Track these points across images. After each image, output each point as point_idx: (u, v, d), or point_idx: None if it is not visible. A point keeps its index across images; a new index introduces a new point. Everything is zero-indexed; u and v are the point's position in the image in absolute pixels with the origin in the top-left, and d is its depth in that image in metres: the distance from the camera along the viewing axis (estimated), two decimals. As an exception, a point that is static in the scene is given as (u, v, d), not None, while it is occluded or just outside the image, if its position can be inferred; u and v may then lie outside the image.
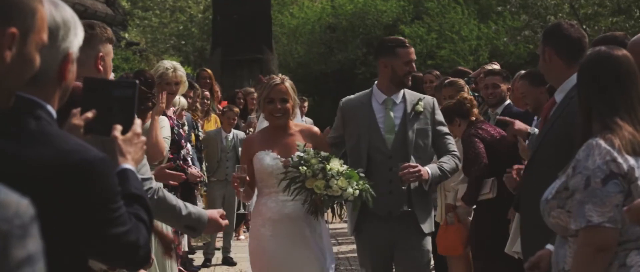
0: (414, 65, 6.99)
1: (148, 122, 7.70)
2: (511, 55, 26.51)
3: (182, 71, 8.97)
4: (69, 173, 2.57)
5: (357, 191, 6.30)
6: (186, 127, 9.14)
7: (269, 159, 6.65)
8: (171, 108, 9.07)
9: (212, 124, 12.75)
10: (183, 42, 34.84)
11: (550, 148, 5.43)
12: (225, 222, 4.73)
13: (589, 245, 3.94)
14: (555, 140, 5.41)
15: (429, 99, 7.04)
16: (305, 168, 6.27)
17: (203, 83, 13.11)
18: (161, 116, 7.95)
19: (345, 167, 6.34)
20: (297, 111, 6.95)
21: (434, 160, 7.01)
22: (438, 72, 12.31)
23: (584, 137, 4.07)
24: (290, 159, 6.41)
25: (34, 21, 2.53)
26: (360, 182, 6.34)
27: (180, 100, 9.71)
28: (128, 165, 3.05)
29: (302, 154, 6.36)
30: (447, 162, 6.82)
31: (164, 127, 7.73)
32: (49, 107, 2.72)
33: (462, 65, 22.75)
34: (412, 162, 6.60)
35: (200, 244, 12.67)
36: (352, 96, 7.14)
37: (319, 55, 30.54)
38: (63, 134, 2.70)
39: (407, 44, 7.02)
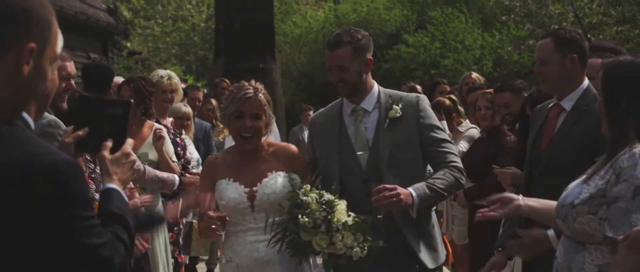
0: (340, 74, 5.45)
1: (143, 125, 7.71)
2: (515, 65, 26.37)
3: (177, 80, 8.89)
4: (34, 175, 2.49)
5: (366, 250, 5.12)
6: (184, 136, 8.96)
7: (231, 190, 5.44)
8: (169, 119, 8.97)
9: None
10: (185, 51, 34.76)
11: (570, 155, 5.39)
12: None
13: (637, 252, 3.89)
14: (576, 148, 5.39)
15: (410, 98, 5.58)
16: (305, 219, 5.06)
17: (222, 93, 13.00)
18: (158, 125, 7.92)
19: (351, 216, 5.12)
20: (274, 127, 5.69)
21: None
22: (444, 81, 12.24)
23: (615, 146, 4.06)
24: (286, 202, 5.21)
25: (50, 35, 2.56)
26: (368, 238, 5.14)
27: (182, 108, 9.61)
28: (113, 185, 3.00)
29: (302, 197, 5.16)
30: (443, 177, 5.33)
31: (166, 139, 7.70)
32: (25, 115, 2.64)
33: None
34: (389, 185, 5.13)
35: (205, 257, 12.55)
36: (322, 109, 5.89)
37: (322, 65, 30.19)
38: (35, 139, 2.62)
39: (335, 44, 5.45)
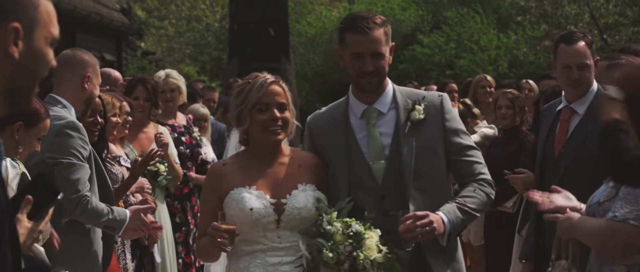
0: (375, 62, 4.58)
1: (150, 127, 7.77)
2: (531, 65, 26.23)
3: (175, 78, 8.84)
4: None
5: None
6: (196, 135, 8.90)
7: (254, 199, 4.51)
8: (181, 115, 8.95)
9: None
10: (199, 52, 34.70)
11: (594, 159, 5.25)
12: (150, 218, 5.38)
13: None
14: (595, 154, 5.27)
15: (433, 98, 4.73)
16: (329, 254, 4.31)
17: None
18: (162, 127, 7.97)
19: (383, 251, 4.34)
20: (293, 127, 4.70)
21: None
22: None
23: None
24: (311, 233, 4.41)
25: (38, 14, 2.43)
26: None
27: (200, 110, 9.60)
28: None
29: (326, 226, 4.38)
30: (474, 194, 4.57)
31: (170, 144, 7.77)
32: None
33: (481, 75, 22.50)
34: (414, 208, 4.46)
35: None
36: (321, 110, 4.96)
37: (337, 65, 30.18)
38: None
39: (368, 26, 4.56)
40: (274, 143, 4.61)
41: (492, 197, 4.69)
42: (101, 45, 21.57)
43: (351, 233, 4.32)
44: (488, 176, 4.69)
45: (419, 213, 4.34)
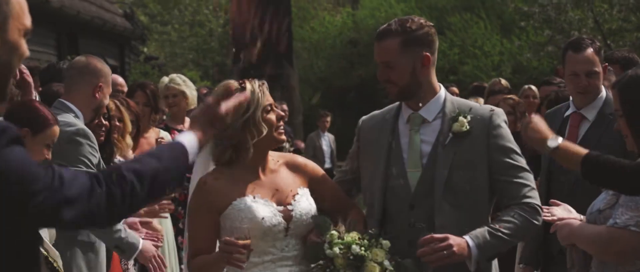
0: (386, 72, 4.45)
1: (151, 131, 7.73)
2: (534, 71, 26.19)
3: (178, 83, 8.83)
4: None
5: None
6: None
7: (263, 208, 4.33)
8: (187, 119, 8.93)
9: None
10: (202, 57, 34.68)
11: None
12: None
13: None
14: (611, 153, 5.22)
15: (483, 111, 4.48)
16: None
17: None
18: (164, 132, 7.96)
19: (388, 270, 4.18)
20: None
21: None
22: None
23: None
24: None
25: (10, 7, 2.49)
26: None
27: None
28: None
29: (327, 250, 4.21)
30: (512, 219, 4.30)
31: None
32: None
33: (485, 80, 22.45)
34: (440, 222, 4.30)
35: None
36: (377, 111, 4.76)
37: (340, 70, 30.40)
38: None
39: (381, 35, 4.48)
40: (280, 143, 4.48)
41: (537, 223, 4.37)
42: (104, 50, 21.51)
43: (351, 257, 4.16)
44: (534, 201, 4.37)
45: (438, 236, 4.15)
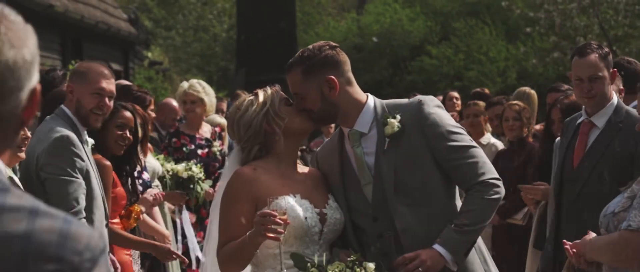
0: (300, 102, 4.43)
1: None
2: (540, 77, 26.17)
3: (197, 90, 8.76)
4: None
5: None
6: (217, 149, 8.83)
7: (304, 209, 4.30)
8: (207, 126, 8.88)
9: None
10: (206, 62, 34.70)
11: (611, 171, 5.41)
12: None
13: None
14: (620, 159, 5.42)
15: (411, 106, 4.40)
16: None
17: None
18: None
19: None
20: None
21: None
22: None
23: None
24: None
25: None
26: None
27: (216, 119, 9.52)
28: None
29: None
30: (471, 207, 4.29)
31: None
32: None
33: (490, 87, 22.43)
34: (401, 226, 4.28)
35: None
36: (327, 140, 4.77)
37: (344, 76, 30.34)
38: None
39: (287, 68, 4.47)
40: (308, 130, 4.52)
41: (498, 196, 4.30)
42: (108, 55, 21.49)
43: None
44: (490, 175, 4.30)
45: (408, 255, 4.16)
